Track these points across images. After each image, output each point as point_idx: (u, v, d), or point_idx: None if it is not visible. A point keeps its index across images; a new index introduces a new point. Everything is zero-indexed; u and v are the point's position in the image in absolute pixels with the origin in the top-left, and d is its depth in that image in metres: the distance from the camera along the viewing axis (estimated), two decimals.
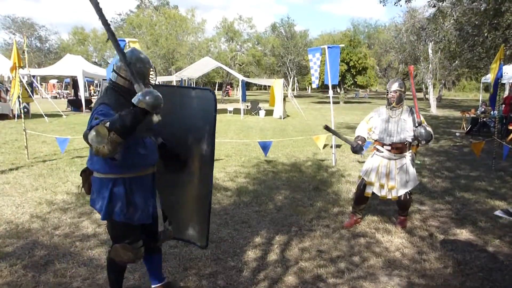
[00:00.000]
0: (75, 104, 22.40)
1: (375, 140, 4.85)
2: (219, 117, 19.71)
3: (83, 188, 2.92)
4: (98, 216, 5.12)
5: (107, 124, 2.32)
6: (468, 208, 5.72)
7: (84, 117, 18.75)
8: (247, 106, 23.15)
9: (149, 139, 2.83)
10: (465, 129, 14.80)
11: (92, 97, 28.79)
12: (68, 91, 34.97)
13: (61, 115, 18.63)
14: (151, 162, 2.87)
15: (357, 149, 4.80)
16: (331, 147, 8.95)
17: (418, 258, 4.06)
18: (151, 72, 2.83)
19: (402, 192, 4.72)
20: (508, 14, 11.16)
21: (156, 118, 2.43)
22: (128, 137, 2.42)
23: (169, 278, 3.50)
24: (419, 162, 8.82)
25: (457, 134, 14.32)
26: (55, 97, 36.39)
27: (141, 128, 2.51)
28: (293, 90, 47.60)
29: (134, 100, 2.33)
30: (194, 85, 39.94)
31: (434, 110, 24.93)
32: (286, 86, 25.41)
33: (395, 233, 4.74)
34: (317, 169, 8.20)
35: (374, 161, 4.86)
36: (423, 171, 8.06)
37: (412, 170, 4.74)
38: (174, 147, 3.11)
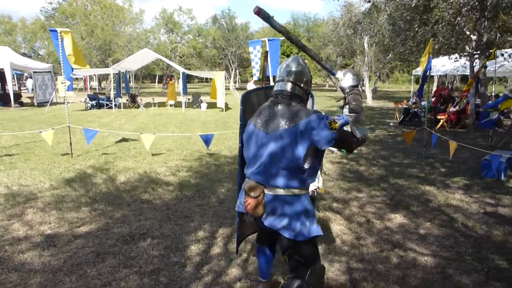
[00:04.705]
0: (2, 99, 20.96)
1: None
2: (159, 110, 19.32)
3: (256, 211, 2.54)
4: (29, 217, 4.84)
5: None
6: (401, 194, 6.03)
7: (13, 112, 17.58)
8: (189, 99, 22.79)
9: None
10: (398, 119, 15.50)
11: (21, 91, 26.89)
12: None
13: None
14: None
15: None
16: None
17: (357, 244, 4.23)
18: None
19: None
20: (436, 10, 11.80)
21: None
22: None
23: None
24: (356, 152, 9.16)
25: (391, 124, 15.01)
26: None
27: None
28: (235, 82, 47.54)
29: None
30: (133, 78, 38.73)
31: (370, 102, 25.93)
32: (227, 78, 25.33)
33: (335, 220, 4.90)
34: None
35: None
36: (360, 160, 8.39)
37: None
38: None
